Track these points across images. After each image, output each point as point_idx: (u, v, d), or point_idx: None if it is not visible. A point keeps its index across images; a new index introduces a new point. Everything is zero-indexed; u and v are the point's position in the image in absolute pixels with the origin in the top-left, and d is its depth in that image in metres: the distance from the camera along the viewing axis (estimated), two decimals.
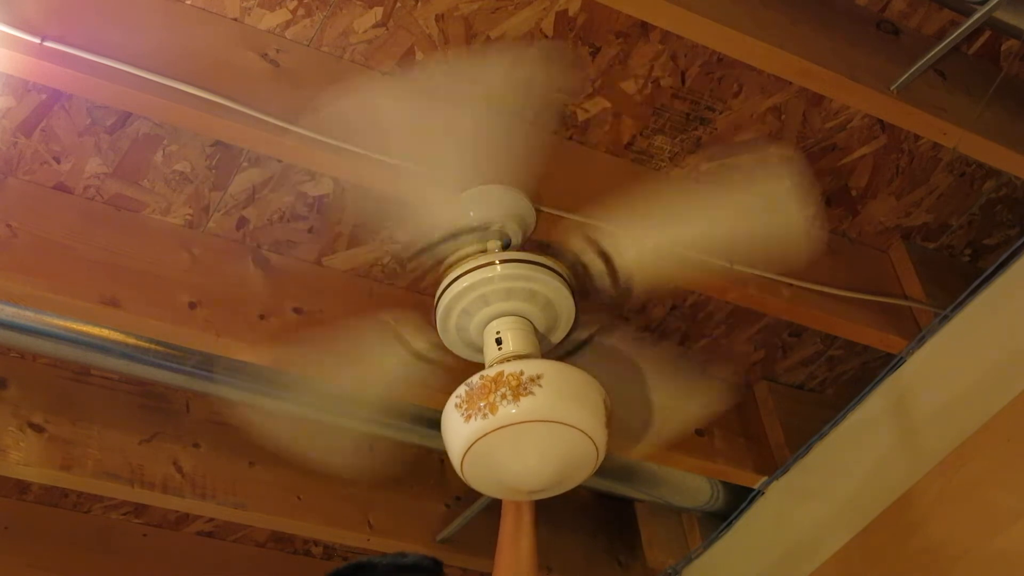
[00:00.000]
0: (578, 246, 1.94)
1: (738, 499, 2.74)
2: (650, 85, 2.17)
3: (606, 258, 1.93)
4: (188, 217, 2.26)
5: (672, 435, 2.40)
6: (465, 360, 1.96)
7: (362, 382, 2.07)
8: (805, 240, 1.89)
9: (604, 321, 2.05)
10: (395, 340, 1.99)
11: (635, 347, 2.06)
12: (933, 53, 1.99)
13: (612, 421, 1.83)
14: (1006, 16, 2.00)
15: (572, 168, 2.21)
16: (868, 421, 2.52)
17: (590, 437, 1.78)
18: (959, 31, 1.99)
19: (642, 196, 1.90)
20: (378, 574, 1.84)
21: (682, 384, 2.12)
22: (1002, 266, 2.31)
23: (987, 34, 2.17)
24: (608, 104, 2.18)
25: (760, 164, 1.93)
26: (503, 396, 1.74)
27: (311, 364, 2.15)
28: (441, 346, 1.97)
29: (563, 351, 2.01)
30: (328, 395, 2.16)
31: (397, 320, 2.00)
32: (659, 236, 1.91)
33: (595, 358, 2.00)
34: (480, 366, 1.85)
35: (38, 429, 2.40)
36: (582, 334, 2.01)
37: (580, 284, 1.97)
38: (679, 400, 2.16)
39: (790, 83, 2.15)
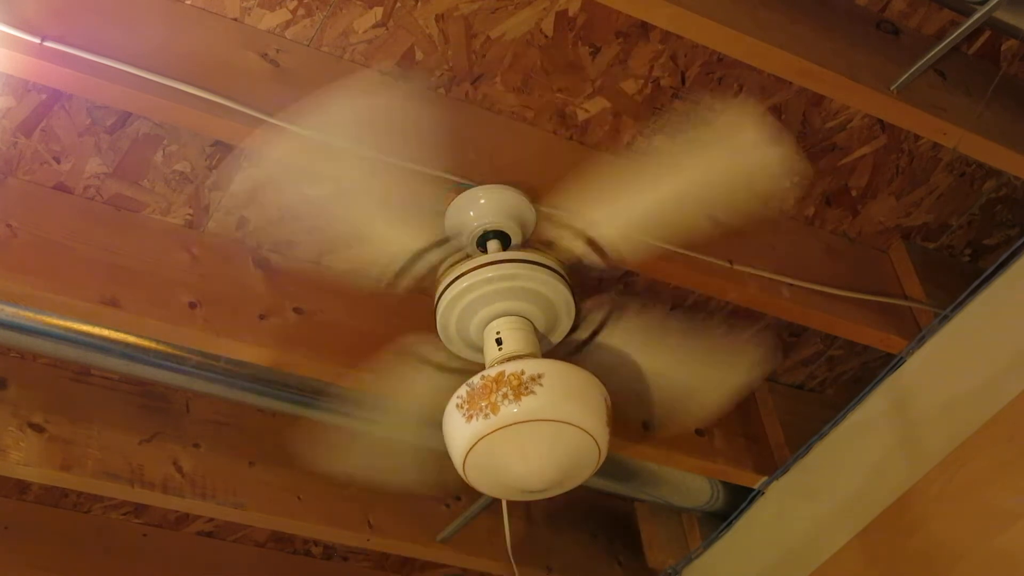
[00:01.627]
0: (554, 233, 1.94)
1: (738, 499, 2.74)
2: (650, 85, 2.17)
3: (586, 237, 1.93)
4: (188, 217, 2.26)
5: (676, 432, 2.41)
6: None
7: (403, 408, 2.09)
8: (780, 175, 1.89)
9: (604, 320, 2.05)
10: (420, 362, 2.00)
11: (637, 345, 2.06)
12: (933, 53, 1.99)
13: (613, 420, 1.83)
14: (1006, 16, 2.00)
15: (571, 168, 2.21)
16: (868, 421, 2.52)
17: (592, 436, 1.78)
18: (959, 31, 1.98)
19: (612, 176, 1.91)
20: None
21: (685, 380, 2.12)
22: (1002, 266, 2.31)
23: (987, 34, 2.17)
24: (608, 104, 2.18)
25: (725, 121, 1.92)
26: (504, 396, 1.74)
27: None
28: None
29: (564, 351, 2.01)
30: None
31: (415, 342, 2.01)
32: (630, 201, 1.90)
33: (596, 357, 2.00)
34: (483, 366, 1.86)
35: (38, 429, 2.40)
36: (582, 334, 2.02)
37: (577, 276, 1.96)
38: (682, 395, 2.15)
39: (790, 83, 2.15)
